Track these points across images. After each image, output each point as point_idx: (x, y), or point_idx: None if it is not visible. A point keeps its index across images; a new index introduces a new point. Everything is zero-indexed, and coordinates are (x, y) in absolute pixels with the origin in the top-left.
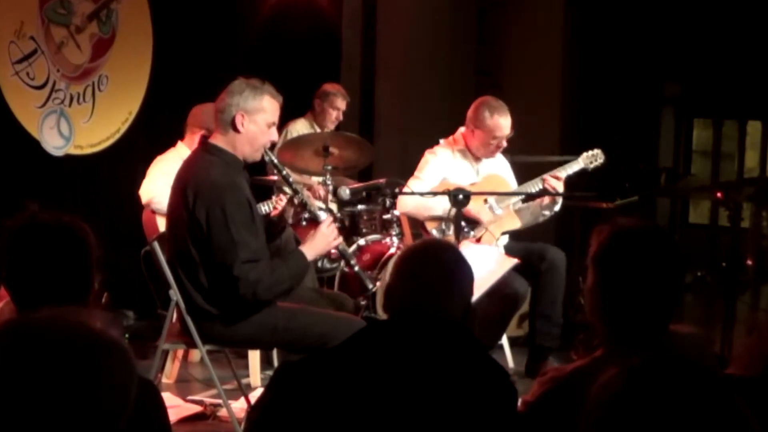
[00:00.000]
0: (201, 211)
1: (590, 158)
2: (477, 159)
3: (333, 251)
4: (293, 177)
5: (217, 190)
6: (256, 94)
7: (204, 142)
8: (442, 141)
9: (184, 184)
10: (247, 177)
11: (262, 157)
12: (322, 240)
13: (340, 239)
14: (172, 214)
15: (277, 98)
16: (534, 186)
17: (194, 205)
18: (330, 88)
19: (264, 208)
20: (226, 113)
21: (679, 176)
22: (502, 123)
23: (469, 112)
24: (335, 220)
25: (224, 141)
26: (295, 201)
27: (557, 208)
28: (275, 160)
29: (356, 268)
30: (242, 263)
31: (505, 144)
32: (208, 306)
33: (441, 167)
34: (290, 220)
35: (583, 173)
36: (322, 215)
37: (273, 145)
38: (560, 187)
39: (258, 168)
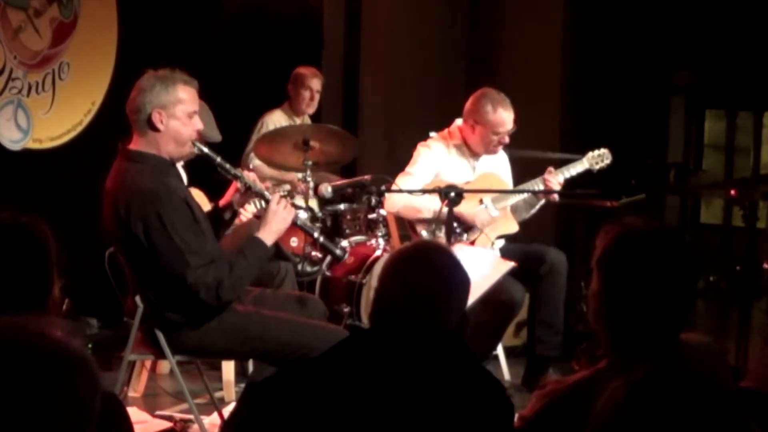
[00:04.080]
0: (137, 225)
1: (596, 158)
2: (474, 155)
3: (314, 253)
4: (270, 173)
5: (149, 199)
6: (168, 85)
7: (123, 150)
8: (433, 134)
9: (113, 198)
10: (179, 176)
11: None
12: (275, 218)
13: (294, 212)
14: (107, 230)
15: (192, 84)
16: (534, 187)
17: (128, 219)
18: (300, 70)
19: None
20: (141, 113)
21: (689, 172)
22: (506, 118)
23: (468, 105)
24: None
25: (145, 143)
26: (239, 186)
27: (539, 205)
28: (205, 150)
29: (321, 239)
30: (195, 269)
31: (507, 140)
32: (175, 316)
33: (435, 162)
34: (236, 208)
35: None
36: (269, 194)
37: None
38: (558, 187)
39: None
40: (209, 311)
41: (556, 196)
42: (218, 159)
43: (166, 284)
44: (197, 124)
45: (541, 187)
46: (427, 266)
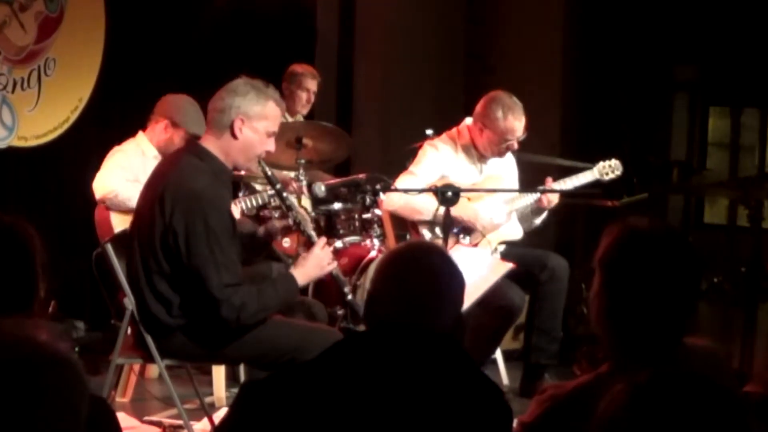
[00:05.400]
0: (179, 222)
1: (606, 169)
2: (482, 157)
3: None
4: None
5: (200, 202)
6: (260, 98)
7: (192, 142)
8: (430, 131)
9: (162, 187)
10: (231, 189)
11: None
12: (316, 263)
13: (335, 264)
14: (141, 217)
15: (281, 106)
16: (529, 198)
17: (172, 214)
18: (297, 69)
19: None
20: (225, 115)
21: (693, 171)
22: (516, 126)
23: (479, 108)
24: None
25: (216, 145)
26: (290, 221)
27: (538, 221)
28: (269, 173)
29: (349, 297)
30: (224, 286)
31: (516, 146)
32: (171, 319)
33: (441, 163)
34: (278, 237)
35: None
36: (316, 236)
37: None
38: (555, 199)
39: None
40: (214, 326)
41: (554, 201)
42: (279, 185)
43: (186, 288)
44: (271, 145)
45: (534, 201)
46: (418, 267)
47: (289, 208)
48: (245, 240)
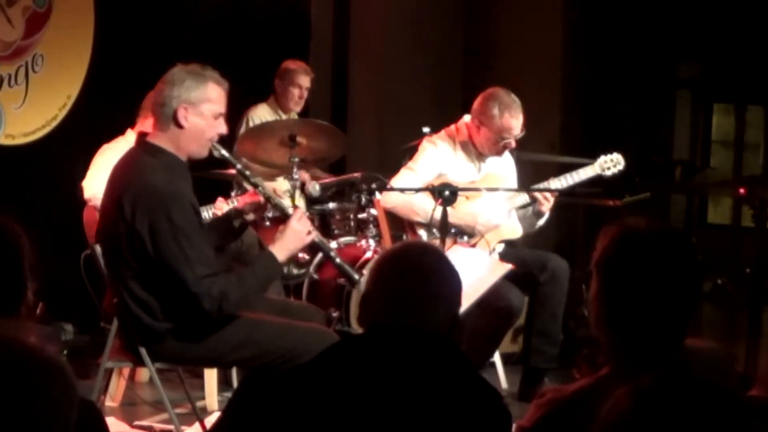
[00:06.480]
0: (142, 224)
1: (608, 163)
2: (480, 155)
3: (301, 255)
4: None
5: (160, 200)
6: (199, 82)
7: (142, 141)
8: (427, 129)
9: (120, 191)
10: (190, 179)
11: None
12: (294, 236)
13: (315, 232)
14: (105, 224)
15: (223, 84)
16: (522, 198)
17: (133, 216)
18: (290, 65)
19: (204, 214)
20: (167, 107)
21: (696, 170)
22: (513, 124)
23: (476, 104)
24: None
25: (166, 139)
26: (260, 198)
27: (541, 222)
28: (226, 155)
29: (337, 260)
30: (200, 279)
31: (513, 144)
32: (156, 323)
33: (439, 161)
34: (250, 218)
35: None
36: (291, 208)
37: (224, 138)
38: (549, 203)
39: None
40: (201, 322)
41: (547, 208)
42: (239, 165)
43: (164, 288)
44: (221, 126)
45: (527, 200)
46: (413, 268)
47: (255, 185)
48: (220, 225)
